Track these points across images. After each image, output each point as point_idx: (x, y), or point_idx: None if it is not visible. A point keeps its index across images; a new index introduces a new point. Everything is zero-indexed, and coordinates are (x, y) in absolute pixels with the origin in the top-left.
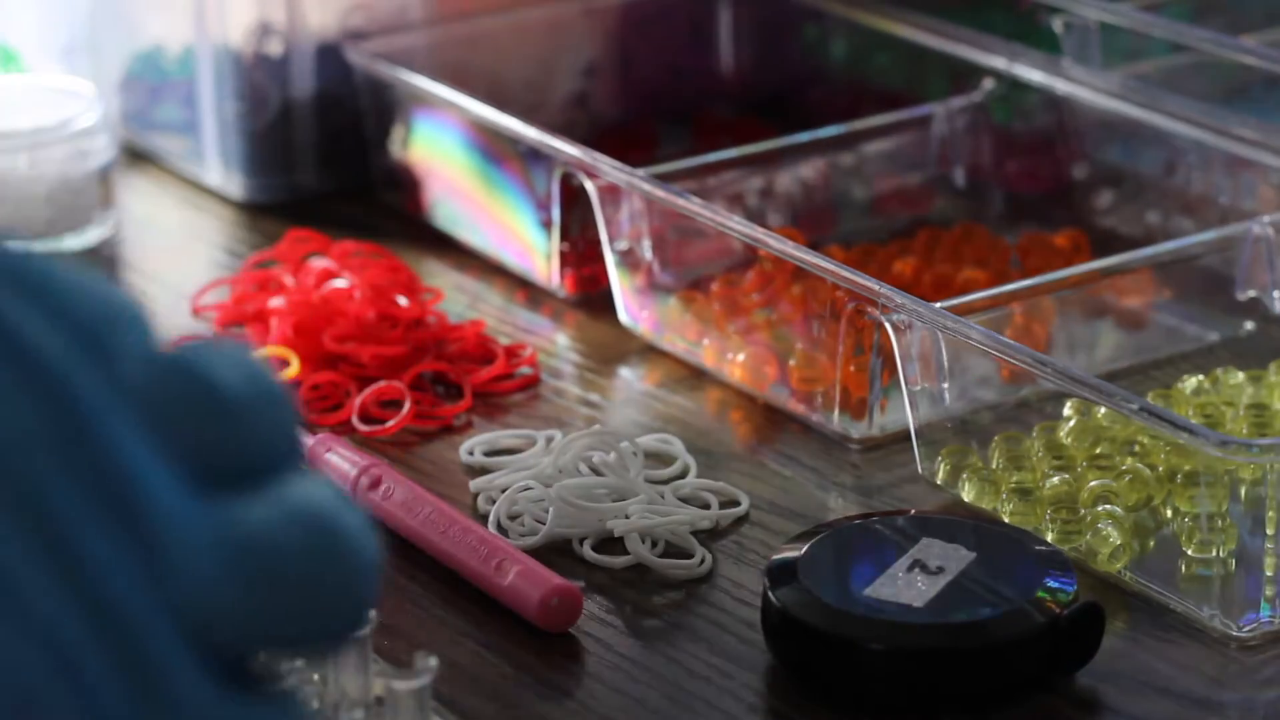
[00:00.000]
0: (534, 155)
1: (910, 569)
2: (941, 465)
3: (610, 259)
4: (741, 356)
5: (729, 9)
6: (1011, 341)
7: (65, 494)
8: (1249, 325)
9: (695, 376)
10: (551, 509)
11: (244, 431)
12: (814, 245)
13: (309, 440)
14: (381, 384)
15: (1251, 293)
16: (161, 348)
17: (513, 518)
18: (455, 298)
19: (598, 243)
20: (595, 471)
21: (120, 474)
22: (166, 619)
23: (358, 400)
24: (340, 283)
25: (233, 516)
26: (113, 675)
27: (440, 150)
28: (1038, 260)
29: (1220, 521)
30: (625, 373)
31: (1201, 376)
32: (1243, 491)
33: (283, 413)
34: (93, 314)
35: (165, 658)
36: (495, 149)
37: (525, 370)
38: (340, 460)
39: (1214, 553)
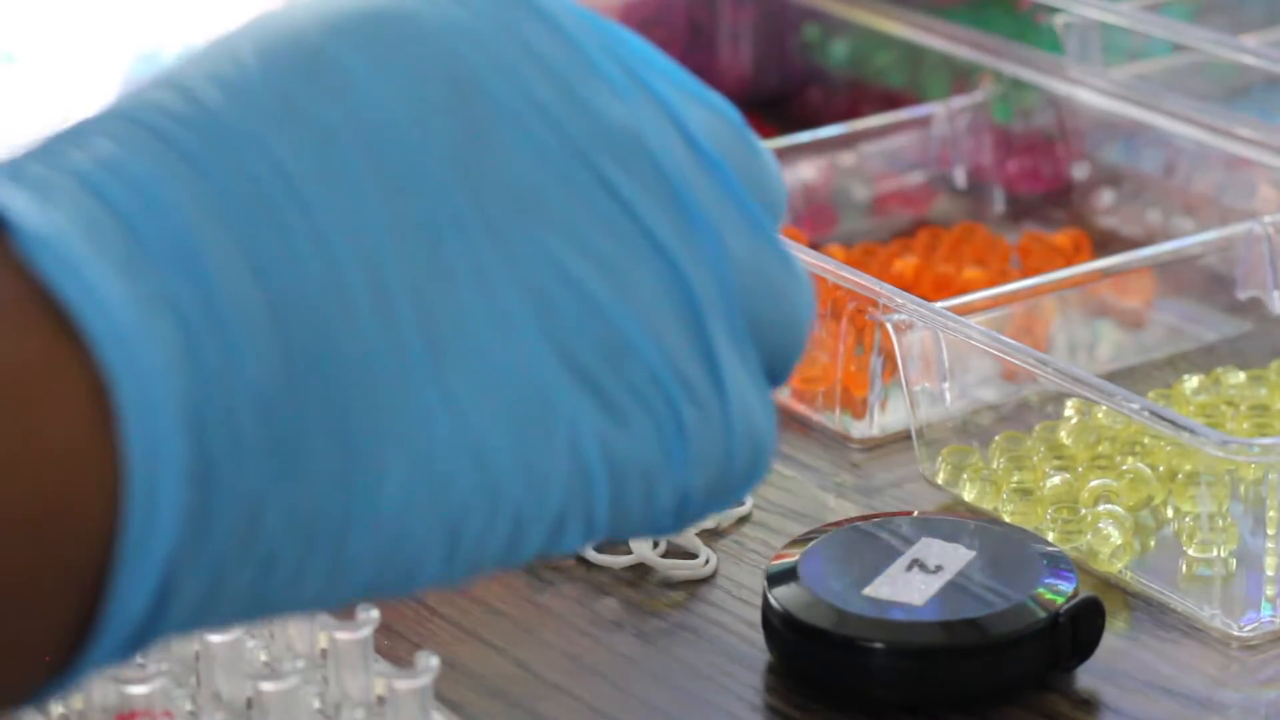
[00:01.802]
0: None
1: (909, 568)
2: (942, 465)
3: None
4: None
5: (729, 9)
6: (1012, 341)
7: (675, 163)
8: (1249, 325)
9: None
10: None
11: (772, 178)
12: (814, 245)
13: None
14: None
15: (1251, 293)
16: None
17: None
18: None
19: None
20: None
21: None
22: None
23: None
24: None
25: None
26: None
27: None
28: (1038, 260)
29: (1221, 521)
30: None
31: (1202, 376)
32: (1243, 491)
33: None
34: (663, 60)
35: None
36: None
37: None
38: None
39: (1215, 552)
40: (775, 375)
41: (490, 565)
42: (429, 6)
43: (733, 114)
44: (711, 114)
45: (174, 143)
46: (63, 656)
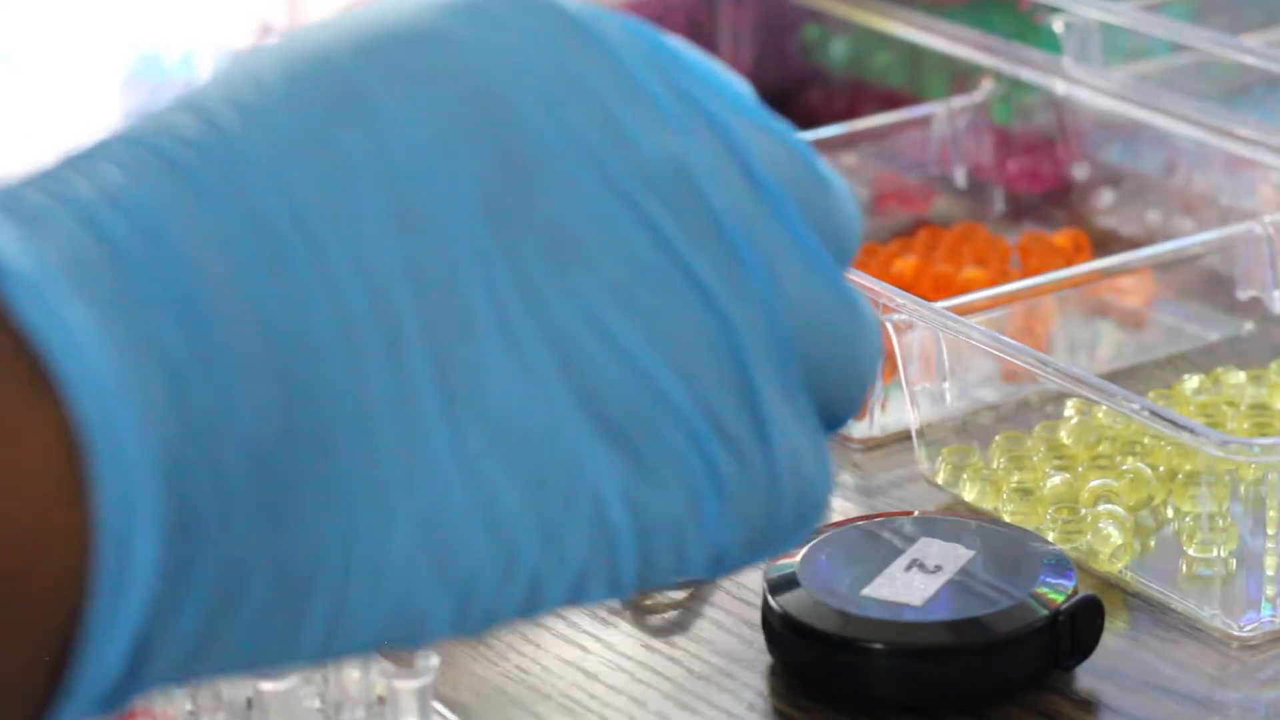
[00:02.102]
0: None
1: (909, 568)
2: (942, 465)
3: None
4: None
5: (729, 9)
6: (1012, 341)
7: (724, 202)
8: (1249, 325)
9: None
10: None
11: (842, 215)
12: None
13: None
14: None
15: (1251, 293)
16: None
17: None
18: None
19: None
20: None
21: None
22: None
23: None
24: None
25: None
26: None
27: None
28: (1038, 260)
29: (1221, 521)
30: None
31: (1202, 376)
32: (1243, 491)
33: (856, 206)
34: (732, 84)
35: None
36: None
37: None
38: None
39: (1215, 552)
40: (833, 421)
41: (505, 620)
42: (466, 29)
43: (799, 143)
44: (775, 142)
45: (183, 171)
46: (38, 711)
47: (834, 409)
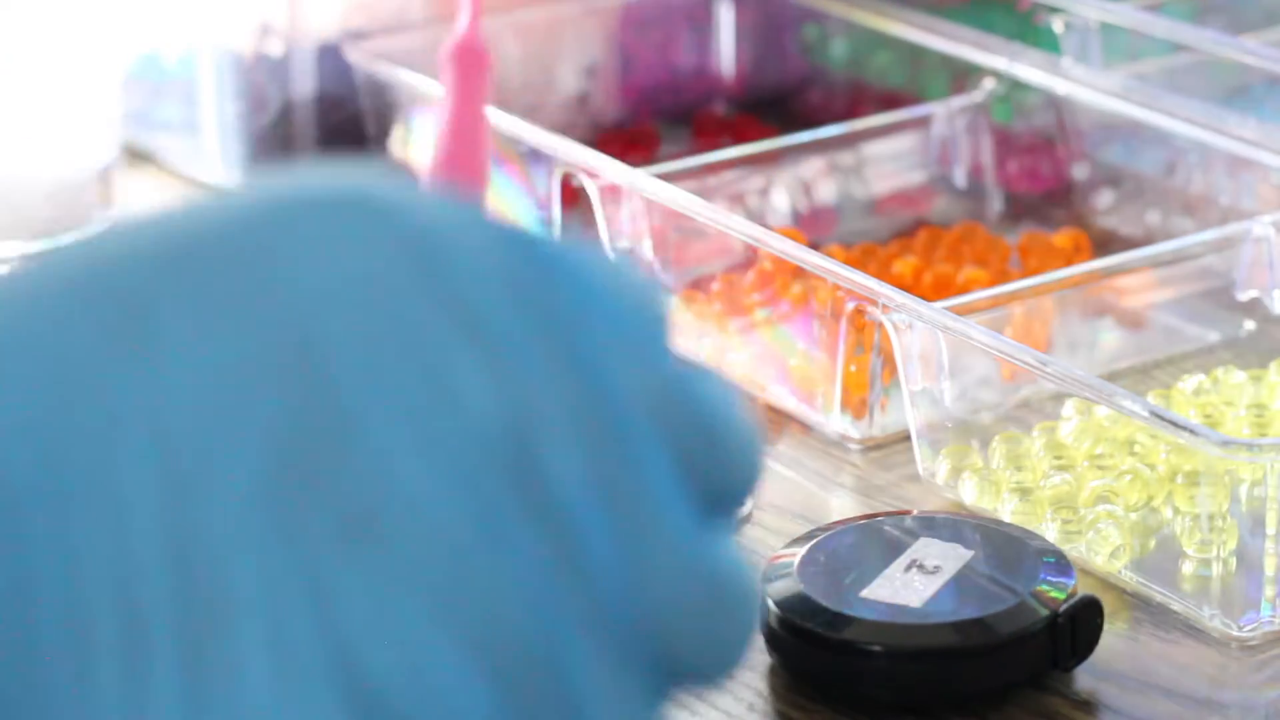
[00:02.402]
0: (534, 155)
1: (908, 569)
2: (942, 465)
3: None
4: (742, 356)
5: (729, 9)
6: (1011, 341)
7: (570, 468)
8: (1249, 325)
9: None
10: None
11: (732, 466)
12: (814, 245)
13: None
14: None
15: (1251, 293)
16: (674, 360)
17: None
18: None
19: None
20: None
21: (634, 475)
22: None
23: None
24: None
25: (715, 550)
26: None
27: None
28: (1038, 260)
29: (1220, 521)
30: None
31: (1202, 376)
32: (1243, 491)
33: (758, 453)
34: (625, 306)
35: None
36: (495, 149)
37: None
38: None
39: (1214, 553)
40: (698, 680)
41: None
42: (285, 245)
43: (693, 381)
44: (660, 382)
45: None
46: None
47: (692, 677)
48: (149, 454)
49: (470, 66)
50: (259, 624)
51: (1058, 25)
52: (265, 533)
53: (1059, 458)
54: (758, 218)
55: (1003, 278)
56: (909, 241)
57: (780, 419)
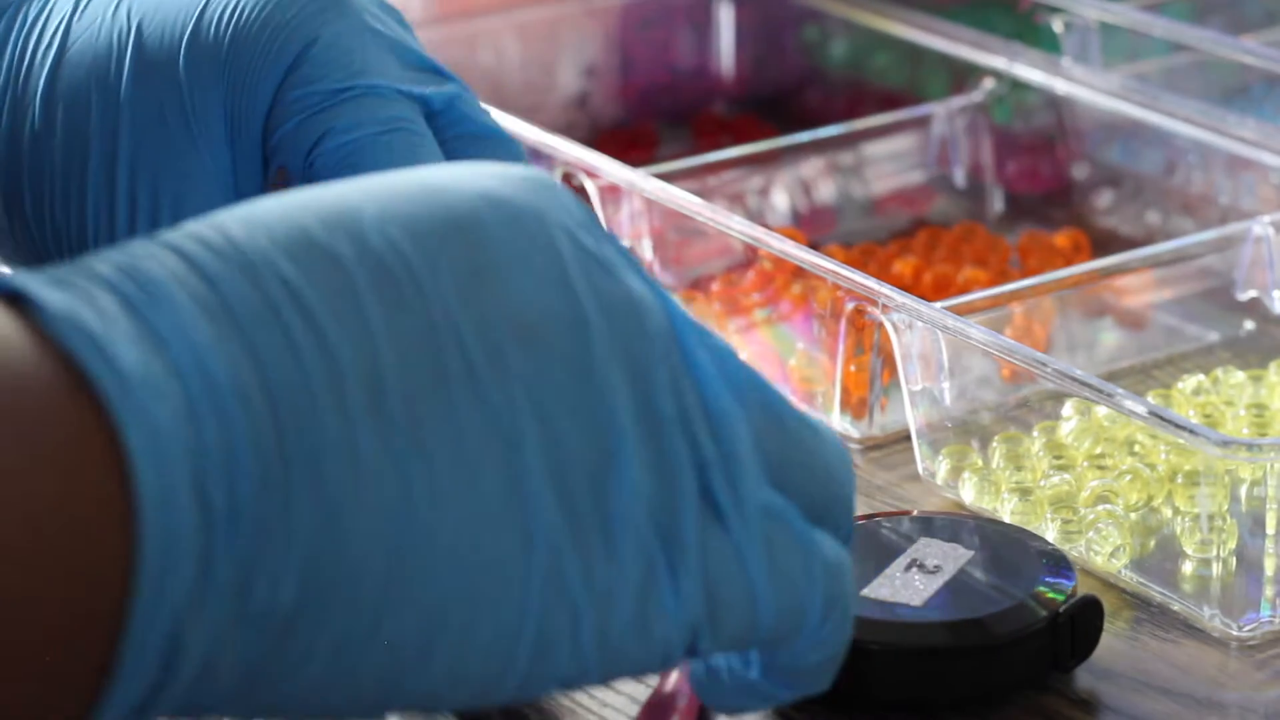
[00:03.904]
0: (534, 155)
1: (908, 569)
2: (941, 465)
3: None
4: (742, 356)
5: (729, 9)
6: (1011, 341)
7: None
8: (1249, 325)
9: None
10: None
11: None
12: (814, 245)
13: None
14: None
15: (1251, 293)
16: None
17: None
18: None
19: None
20: None
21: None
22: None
23: None
24: None
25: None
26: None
27: None
28: (1038, 260)
29: (1220, 521)
30: None
31: (1202, 376)
32: (1243, 491)
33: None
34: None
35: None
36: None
37: None
38: None
39: (1214, 553)
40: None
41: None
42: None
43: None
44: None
45: (188, 256)
46: (79, 714)
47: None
48: (369, 279)
49: None
50: (470, 399)
51: (1058, 25)
52: (463, 331)
53: (1059, 458)
54: (757, 218)
55: (1002, 278)
56: (909, 241)
57: None
